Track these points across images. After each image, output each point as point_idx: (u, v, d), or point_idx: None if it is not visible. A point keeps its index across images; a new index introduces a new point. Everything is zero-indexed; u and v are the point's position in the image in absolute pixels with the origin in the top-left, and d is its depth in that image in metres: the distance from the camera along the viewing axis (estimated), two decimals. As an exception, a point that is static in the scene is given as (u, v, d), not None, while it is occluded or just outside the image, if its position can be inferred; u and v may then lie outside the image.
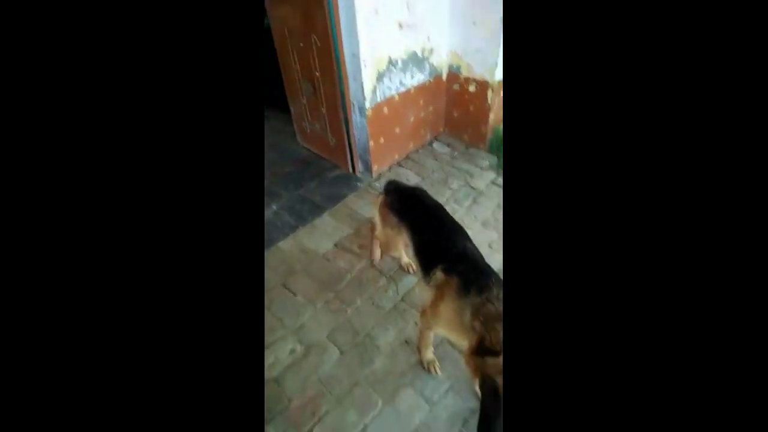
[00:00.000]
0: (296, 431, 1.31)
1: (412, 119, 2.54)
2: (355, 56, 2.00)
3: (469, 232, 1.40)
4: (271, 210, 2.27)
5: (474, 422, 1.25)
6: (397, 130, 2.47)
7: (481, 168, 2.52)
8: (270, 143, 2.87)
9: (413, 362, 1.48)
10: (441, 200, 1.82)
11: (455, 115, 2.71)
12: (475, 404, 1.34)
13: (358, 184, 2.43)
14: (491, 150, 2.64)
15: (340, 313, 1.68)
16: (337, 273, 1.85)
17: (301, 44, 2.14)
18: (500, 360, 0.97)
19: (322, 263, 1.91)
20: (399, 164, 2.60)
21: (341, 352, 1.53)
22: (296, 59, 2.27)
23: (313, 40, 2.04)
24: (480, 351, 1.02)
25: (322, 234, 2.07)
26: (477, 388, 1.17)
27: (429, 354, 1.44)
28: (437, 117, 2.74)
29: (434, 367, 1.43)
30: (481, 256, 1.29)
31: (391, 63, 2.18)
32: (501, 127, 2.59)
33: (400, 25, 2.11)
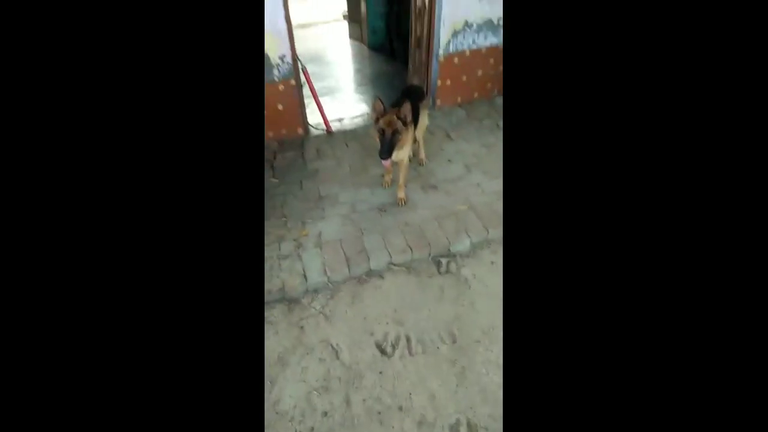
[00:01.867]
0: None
1: (480, 73, 3.26)
2: (438, 16, 2.86)
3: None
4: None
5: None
6: (464, 78, 3.25)
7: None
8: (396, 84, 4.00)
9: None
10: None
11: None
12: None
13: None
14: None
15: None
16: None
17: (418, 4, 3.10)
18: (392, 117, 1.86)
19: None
20: (459, 105, 3.40)
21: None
22: (414, 20, 3.24)
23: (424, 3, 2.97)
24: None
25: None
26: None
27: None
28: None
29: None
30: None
31: (467, 25, 2.93)
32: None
33: (480, -1, 2.83)
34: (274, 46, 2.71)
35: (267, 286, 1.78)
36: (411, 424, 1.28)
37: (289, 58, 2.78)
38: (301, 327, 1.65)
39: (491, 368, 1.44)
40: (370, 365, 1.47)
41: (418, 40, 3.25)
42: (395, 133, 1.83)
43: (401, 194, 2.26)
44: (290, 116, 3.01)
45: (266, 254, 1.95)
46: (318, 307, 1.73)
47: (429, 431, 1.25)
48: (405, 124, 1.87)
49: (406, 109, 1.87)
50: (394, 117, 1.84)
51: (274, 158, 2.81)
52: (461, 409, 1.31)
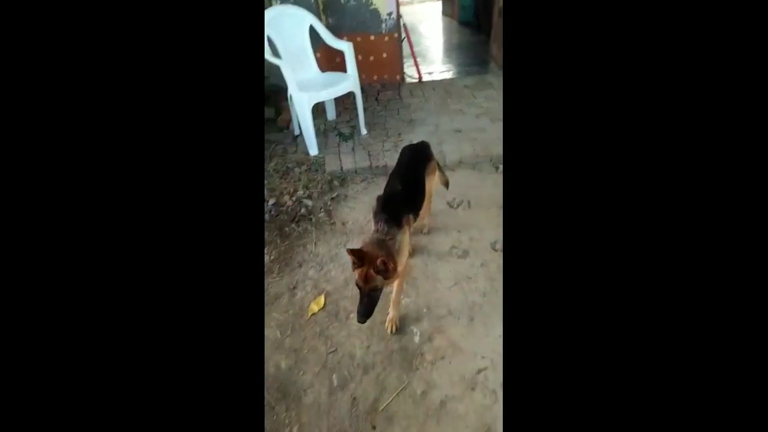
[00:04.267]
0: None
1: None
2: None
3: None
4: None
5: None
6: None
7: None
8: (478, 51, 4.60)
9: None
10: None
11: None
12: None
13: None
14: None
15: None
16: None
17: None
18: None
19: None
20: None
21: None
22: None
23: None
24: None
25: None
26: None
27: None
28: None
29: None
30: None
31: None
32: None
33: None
34: (383, 4, 3.50)
35: (377, 162, 2.61)
36: (466, 238, 2.01)
37: (394, 15, 3.56)
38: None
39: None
40: (442, 212, 2.22)
41: (500, 10, 3.80)
42: (373, 291, 1.27)
43: (392, 314, 1.58)
44: (391, 64, 3.81)
45: (373, 147, 2.78)
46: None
47: (477, 245, 1.97)
48: (388, 271, 1.26)
49: (389, 251, 1.31)
50: (371, 270, 1.24)
51: (378, 94, 3.64)
52: (499, 236, 2.01)
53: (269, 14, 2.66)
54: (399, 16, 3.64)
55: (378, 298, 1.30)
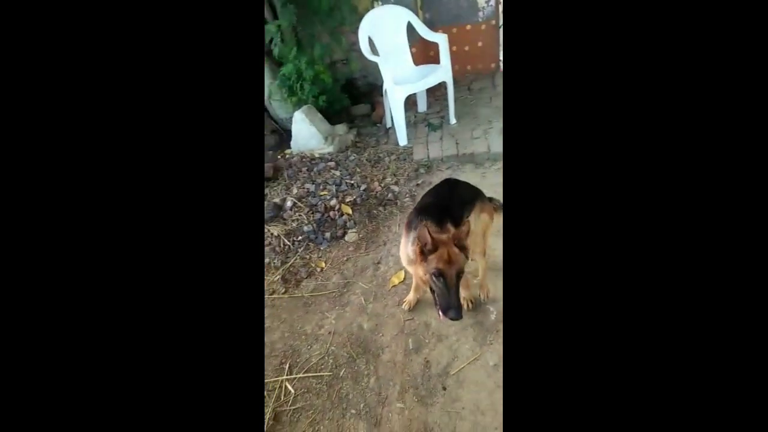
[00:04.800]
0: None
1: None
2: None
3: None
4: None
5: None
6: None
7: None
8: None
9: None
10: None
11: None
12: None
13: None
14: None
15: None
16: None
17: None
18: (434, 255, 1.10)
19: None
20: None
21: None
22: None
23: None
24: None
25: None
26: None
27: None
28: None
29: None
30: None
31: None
32: None
33: None
34: (484, -8, 3.43)
35: (463, 150, 2.63)
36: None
37: (493, 2, 3.46)
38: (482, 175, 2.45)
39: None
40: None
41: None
42: (460, 274, 1.13)
43: (465, 293, 1.50)
44: (487, 53, 3.72)
45: (461, 135, 2.79)
46: (497, 167, 2.48)
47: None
48: (465, 250, 1.15)
49: (466, 229, 1.16)
50: (455, 248, 1.12)
51: (471, 83, 3.61)
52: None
53: (370, 15, 2.90)
54: (498, 2, 3.54)
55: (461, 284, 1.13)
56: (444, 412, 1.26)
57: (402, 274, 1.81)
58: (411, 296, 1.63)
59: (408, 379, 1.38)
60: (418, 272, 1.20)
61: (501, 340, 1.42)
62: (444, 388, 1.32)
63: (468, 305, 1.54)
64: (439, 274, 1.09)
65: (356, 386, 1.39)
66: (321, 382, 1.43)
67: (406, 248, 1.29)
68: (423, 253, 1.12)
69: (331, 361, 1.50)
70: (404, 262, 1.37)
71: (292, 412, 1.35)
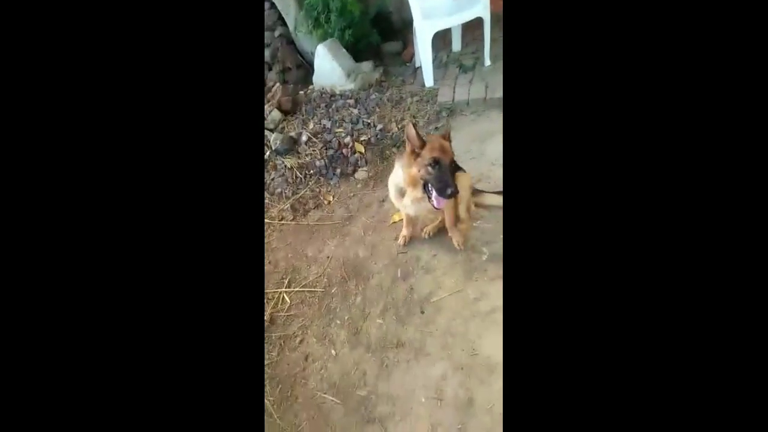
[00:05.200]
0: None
1: None
2: None
3: None
4: None
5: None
6: None
7: None
8: None
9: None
10: None
11: None
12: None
13: None
14: None
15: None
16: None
17: None
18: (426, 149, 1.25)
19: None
20: None
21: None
22: None
23: None
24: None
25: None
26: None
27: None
28: None
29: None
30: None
31: None
32: None
33: None
34: None
35: (492, 94, 2.48)
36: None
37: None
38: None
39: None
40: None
41: None
42: (452, 163, 1.28)
43: (459, 237, 1.59)
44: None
45: (492, 79, 2.62)
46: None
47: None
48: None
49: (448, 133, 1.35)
50: (445, 142, 1.28)
51: (513, 23, 3.29)
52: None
53: (403, -60, 2.66)
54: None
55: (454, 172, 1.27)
56: (417, 331, 1.36)
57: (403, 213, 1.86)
58: (405, 231, 1.68)
59: (391, 301, 1.48)
60: (411, 173, 1.29)
61: (486, 278, 1.46)
62: (422, 312, 1.41)
63: (459, 246, 1.59)
64: (435, 161, 1.22)
65: (344, 302, 1.53)
66: (314, 296, 1.58)
67: (394, 177, 1.36)
68: (414, 152, 1.24)
69: (325, 280, 1.63)
70: (392, 194, 1.45)
71: (286, 317, 1.52)
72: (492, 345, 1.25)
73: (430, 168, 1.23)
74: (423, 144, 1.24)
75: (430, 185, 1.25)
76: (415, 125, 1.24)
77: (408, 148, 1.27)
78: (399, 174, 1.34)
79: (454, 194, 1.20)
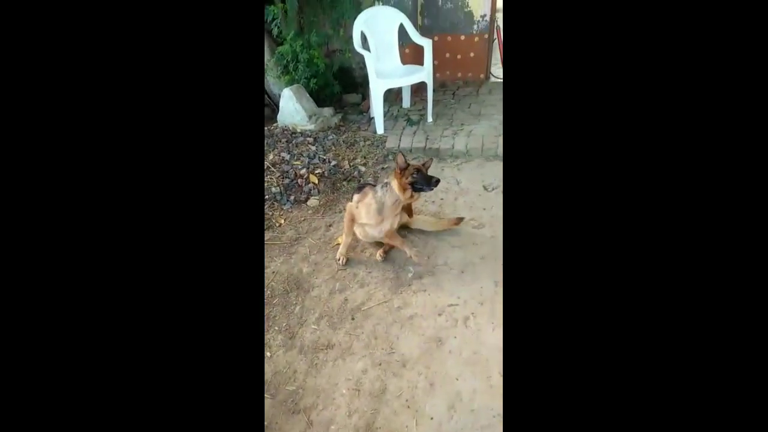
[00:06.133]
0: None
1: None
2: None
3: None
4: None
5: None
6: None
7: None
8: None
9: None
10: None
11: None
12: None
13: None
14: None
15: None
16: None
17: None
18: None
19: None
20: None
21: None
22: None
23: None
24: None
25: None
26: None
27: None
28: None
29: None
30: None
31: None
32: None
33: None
34: (478, 6, 3.73)
35: (431, 145, 2.91)
36: (488, 215, 2.17)
37: (488, 17, 3.76)
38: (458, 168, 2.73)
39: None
40: (475, 192, 2.41)
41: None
42: (426, 173, 1.76)
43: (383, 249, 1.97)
44: (477, 63, 4.01)
45: (433, 133, 3.07)
46: (456, 164, 2.75)
47: (496, 222, 2.12)
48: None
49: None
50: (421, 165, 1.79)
51: (457, 89, 3.90)
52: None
53: (366, 14, 3.18)
54: (493, 19, 3.83)
55: None
56: (347, 334, 1.55)
57: (347, 236, 2.09)
58: (342, 250, 1.92)
59: (326, 310, 1.67)
60: (402, 182, 1.70)
61: (411, 291, 1.71)
62: (353, 318, 1.61)
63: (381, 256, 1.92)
64: (418, 170, 1.71)
65: (284, 311, 1.68)
66: (256, 305, 1.71)
67: (363, 201, 1.79)
68: (402, 170, 1.71)
69: (268, 292, 1.78)
70: (363, 215, 1.78)
71: (228, 324, 1.63)
72: (407, 344, 1.48)
73: (415, 174, 1.71)
74: (407, 165, 1.72)
75: (417, 185, 1.72)
76: (402, 154, 1.75)
77: (397, 168, 1.73)
78: (379, 194, 1.76)
79: (438, 182, 1.70)
